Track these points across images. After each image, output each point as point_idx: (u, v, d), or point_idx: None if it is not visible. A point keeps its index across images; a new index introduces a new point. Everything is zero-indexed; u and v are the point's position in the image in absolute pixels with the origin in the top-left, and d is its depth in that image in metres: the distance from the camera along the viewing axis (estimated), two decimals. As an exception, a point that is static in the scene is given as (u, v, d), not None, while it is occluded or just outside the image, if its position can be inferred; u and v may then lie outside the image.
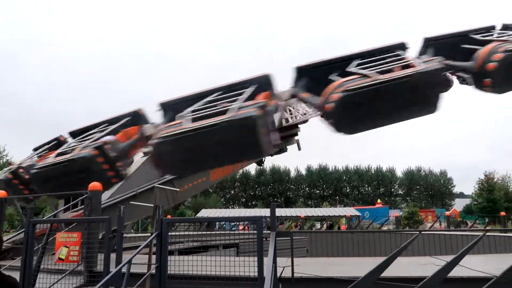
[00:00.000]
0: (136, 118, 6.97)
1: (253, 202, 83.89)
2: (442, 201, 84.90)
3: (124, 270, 4.85)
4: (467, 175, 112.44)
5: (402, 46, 6.24)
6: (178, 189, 10.93)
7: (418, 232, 5.80)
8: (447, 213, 60.17)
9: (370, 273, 5.16)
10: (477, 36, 6.12)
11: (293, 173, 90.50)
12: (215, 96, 5.92)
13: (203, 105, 5.61)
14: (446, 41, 6.53)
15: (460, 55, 6.11)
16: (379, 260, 5.66)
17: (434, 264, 7.23)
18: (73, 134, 7.50)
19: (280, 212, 48.17)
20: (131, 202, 7.81)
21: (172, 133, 4.69)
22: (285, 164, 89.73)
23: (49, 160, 5.92)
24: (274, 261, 4.77)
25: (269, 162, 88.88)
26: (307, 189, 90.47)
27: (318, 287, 5.96)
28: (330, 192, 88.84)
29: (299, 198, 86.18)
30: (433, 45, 6.48)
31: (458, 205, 75.33)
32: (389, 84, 4.52)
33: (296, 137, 9.98)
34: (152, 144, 5.08)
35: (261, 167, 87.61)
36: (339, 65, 5.91)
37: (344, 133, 5.14)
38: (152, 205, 5.54)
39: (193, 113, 5.25)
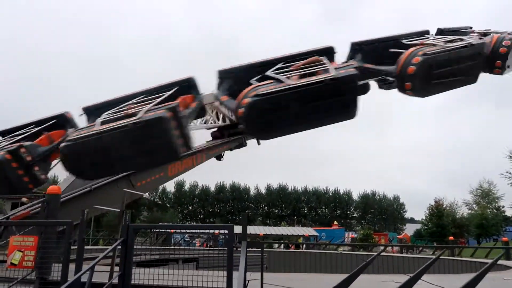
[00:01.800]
0: (63, 121, 6.35)
1: (211, 219, 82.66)
2: (394, 225, 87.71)
3: (84, 279, 4.58)
4: (417, 201, 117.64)
5: (331, 50, 6.10)
6: (143, 194, 10.42)
7: (382, 248, 5.93)
8: (399, 236, 62.44)
9: (337, 286, 5.19)
10: (405, 41, 6.41)
11: (252, 191, 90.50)
12: (138, 99, 5.49)
13: (119, 108, 5.22)
14: (375, 45, 6.71)
15: (390, 60, 6.19)
16: (339, 276, 5.74)
17: (393, 281, 7.43)
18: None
19: (239, 229, 47.68)
20: (95, 206, 7.35)
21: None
22: (245, 182, 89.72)
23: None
24: (245, 273, 4.69)
25: (229, 179, 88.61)
26: (266, 208, 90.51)
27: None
28: (289, 212, 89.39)
29: (257, 217, 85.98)
30: (360, 50, 6.67)
31: (409, 229, 78.33)
32: (301, 89, 4.53)
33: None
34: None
35: (221, 184, 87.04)
36: (261, 69, 5.66)
37: (257, 137, 5.28)
38: (118, 210, 5.31)
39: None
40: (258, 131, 5.36)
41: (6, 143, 6.23)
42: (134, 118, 4.51)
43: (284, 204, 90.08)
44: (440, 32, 7.15)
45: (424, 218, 54.97)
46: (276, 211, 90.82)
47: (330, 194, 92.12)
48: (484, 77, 6.76)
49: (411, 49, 5.25)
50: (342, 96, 4.83)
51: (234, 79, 5.88)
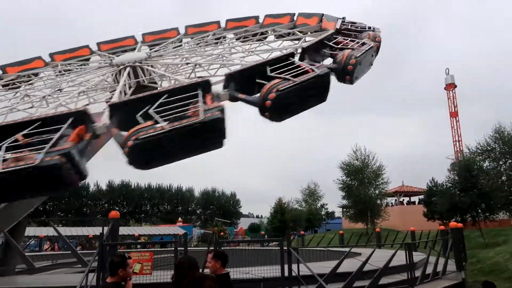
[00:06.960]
0: (81, 118, 6.17)
1: (43, 217, 73.82)
2: (230, 220, 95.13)
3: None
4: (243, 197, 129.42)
5: (293, 55, 7.52)
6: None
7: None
8: (236, 230, 69.02)
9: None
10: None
11: (92, 188, 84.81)
12: (165, 98, 6.06)
13: (160, 106, 5.85)
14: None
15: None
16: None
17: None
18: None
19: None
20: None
21: (153, 133, 5.24)
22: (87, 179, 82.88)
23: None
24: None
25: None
26: (106, 205, 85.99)
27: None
28: (131, 209, 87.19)
29: (97, 214, 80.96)
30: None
31: (242, 223, 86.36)
32: (304, 83, 6.28)
33: None
34: (129, 144, 5.30)
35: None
36: (260, 70, 6.93)
37: (275, 121, 6.55)
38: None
39: (161, 115, 5.60)
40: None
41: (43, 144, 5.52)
42: (196, 118, 5.39)
43: (126, 201, 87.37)
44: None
45: (251, 212, 61.82)
46: (117, 208, 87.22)
47: (173, 191, 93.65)
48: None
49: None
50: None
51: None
